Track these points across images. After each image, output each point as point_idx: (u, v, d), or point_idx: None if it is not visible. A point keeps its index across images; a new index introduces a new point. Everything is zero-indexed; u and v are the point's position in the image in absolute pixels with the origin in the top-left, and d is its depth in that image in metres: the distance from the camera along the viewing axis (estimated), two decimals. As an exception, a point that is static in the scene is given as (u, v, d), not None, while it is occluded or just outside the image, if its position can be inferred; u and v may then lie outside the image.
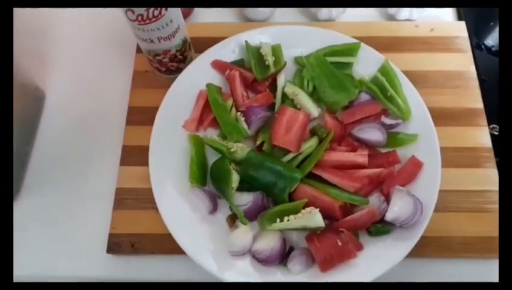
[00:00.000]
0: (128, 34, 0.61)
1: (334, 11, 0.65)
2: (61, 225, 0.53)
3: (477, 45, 0.65)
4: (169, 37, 0.51)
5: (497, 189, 0.52)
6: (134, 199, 0.52)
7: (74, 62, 0.64)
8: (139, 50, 0.61)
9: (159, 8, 0.47)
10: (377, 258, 0.46)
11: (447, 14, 0.68)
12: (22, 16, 0.64)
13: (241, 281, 0.46)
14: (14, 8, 0.44)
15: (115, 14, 0.50)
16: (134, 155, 0.55)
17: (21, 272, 0.51)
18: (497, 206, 0.51)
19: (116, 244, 0.50)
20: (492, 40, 0.66)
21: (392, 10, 0.66)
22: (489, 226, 0.50)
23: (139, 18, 0.47)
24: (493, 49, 0.65)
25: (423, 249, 0.48)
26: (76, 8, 0.66)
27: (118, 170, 0.54)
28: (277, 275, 0.47)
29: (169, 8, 0.48)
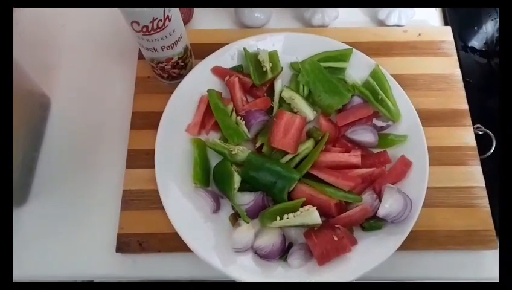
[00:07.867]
0: (130, 41, 0.63)
1: (327, 18, 0.67)
2: (70, 227, 0.55)
3: (462, 48, 0.68)
4: (172, 46, 0.54)
5: (481, 185, 0.55)
6: (141, 200, 0.55)
7: (78, 69, 0.66)
8: (140, 56, 0.63)
9: (163, 19, 0.49)
10: (370, 252, 0.49)
11: (434, 19, 0.71)
12: (26, 25, 0.66)
13: (244, 276, 0.49)
14: (19, 19, 0.46)
15: (117, 22, 0.52)
16: (139, 158, 0.57)
17: (33, 273, 0.53)
18: (480, 201, 0.54)
19: (125, 244, 0.53)
20: (476, 43, 0.69)
21: (382, 16, 0.69)
22: (473, 220, 0.54)
23: (144, 29, 0.49)
24: (477, 52, 0.69)
25: (412, 242, 0.51)
26: (79, 16, 0.68)
27: (124, 173, 0.56)
28: (278, 270, 0.50)
29: (172, 19, 0.51)
